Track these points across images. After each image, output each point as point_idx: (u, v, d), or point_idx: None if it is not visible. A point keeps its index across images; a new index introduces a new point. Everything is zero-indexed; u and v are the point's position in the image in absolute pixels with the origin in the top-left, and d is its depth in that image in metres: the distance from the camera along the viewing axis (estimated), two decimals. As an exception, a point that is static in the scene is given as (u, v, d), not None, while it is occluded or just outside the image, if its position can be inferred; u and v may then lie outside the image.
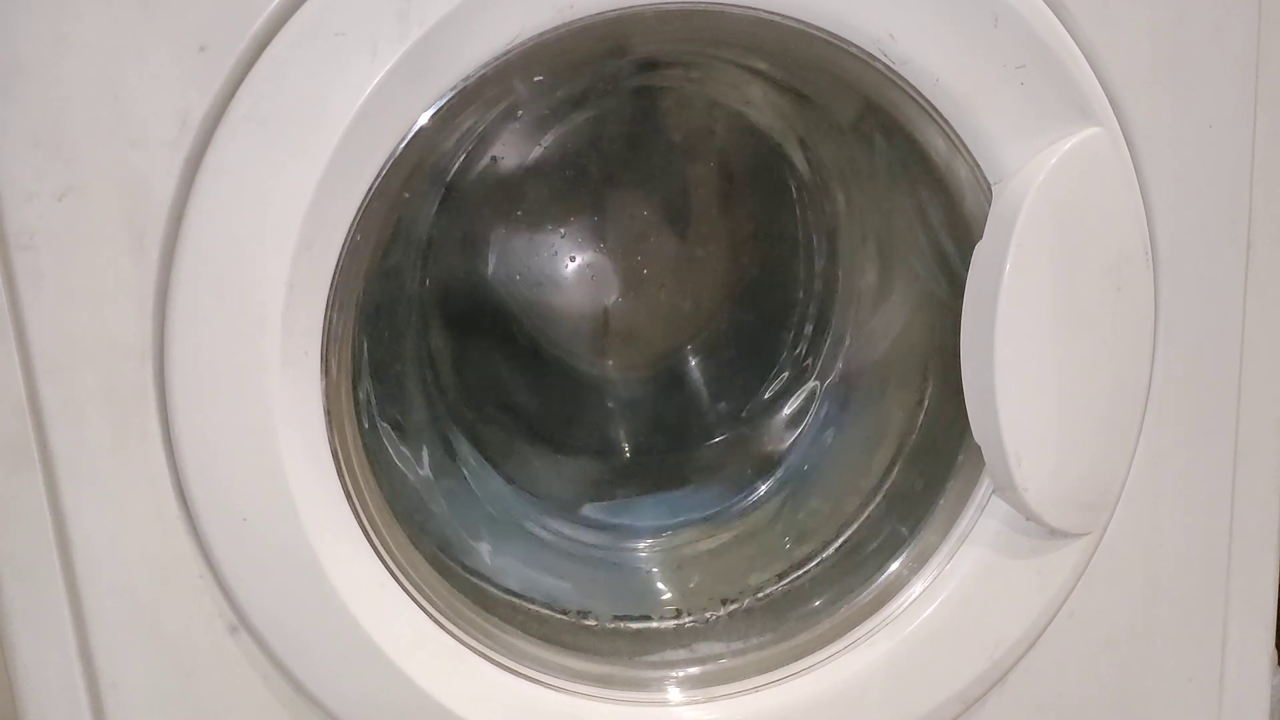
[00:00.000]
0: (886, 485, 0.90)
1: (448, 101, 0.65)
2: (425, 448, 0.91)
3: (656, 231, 0.98)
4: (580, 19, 0.65)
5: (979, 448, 0.75)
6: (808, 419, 1.00)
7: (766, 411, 1.02)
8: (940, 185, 0.77)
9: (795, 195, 0.97)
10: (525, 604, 0.85)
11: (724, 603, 0.89)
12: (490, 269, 0.96)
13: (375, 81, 0.62)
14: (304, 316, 0.65)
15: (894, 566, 0.82)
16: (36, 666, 0.68)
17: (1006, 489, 0.75)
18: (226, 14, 0.61)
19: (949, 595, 0.79)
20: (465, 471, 0.94)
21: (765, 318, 1.02)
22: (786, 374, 1.02)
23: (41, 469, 0.65)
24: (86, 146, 0.61)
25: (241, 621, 0.69)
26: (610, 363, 1.03)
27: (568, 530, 0.97)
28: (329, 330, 0.67)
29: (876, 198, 0.91)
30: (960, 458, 0.82)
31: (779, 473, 0.99)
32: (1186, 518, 0.83)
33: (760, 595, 0.89)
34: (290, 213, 0.62)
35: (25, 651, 0.68)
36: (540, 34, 0.64)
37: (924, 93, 0.70)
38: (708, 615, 0.88)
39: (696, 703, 0.78)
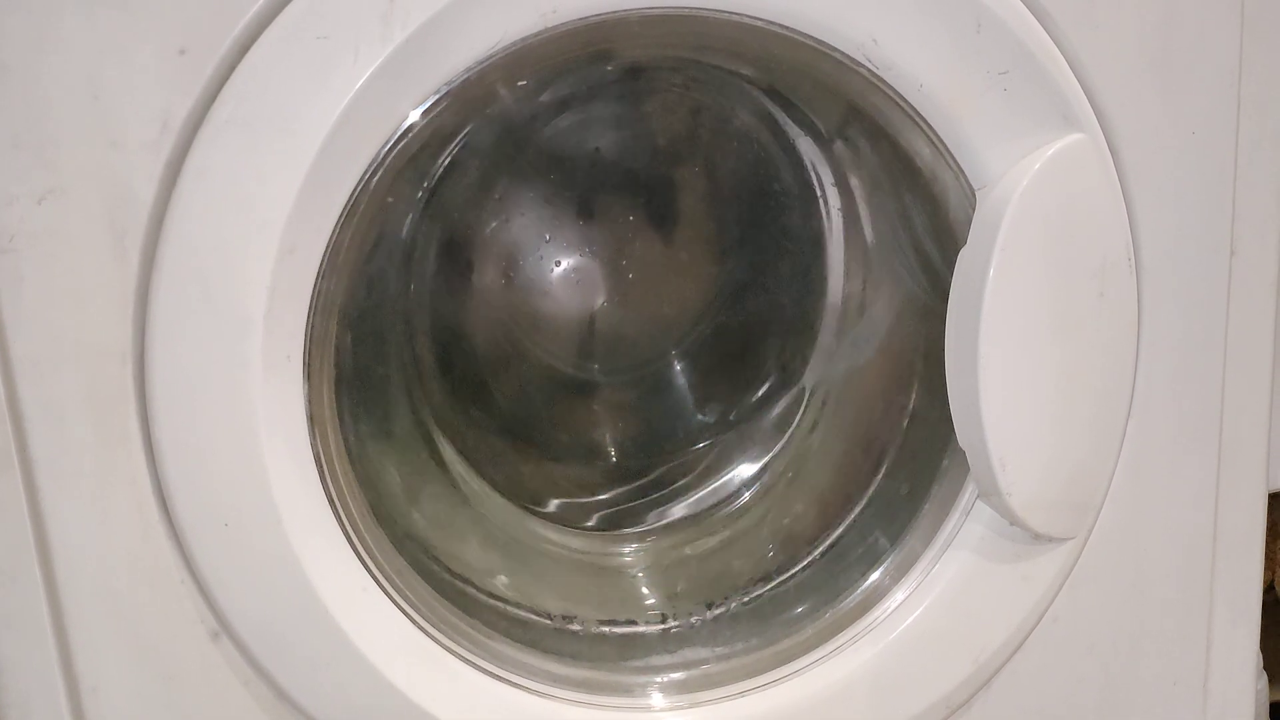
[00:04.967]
0: (871, 490, 0.90)
1: (431, 105, 0.65)
2: (409, 452, 0.91)
3: (642, 236, 0.98)
4: (564, 24, 0.65)
5: (964, 453, 0.75)
6: (793, 424, 1.00)
7: (752, 416, 1.02)
8: (925, 190, 0.77)
9: (780, 200, 0.97)
10: (509, 609, 0.85)
11: (709, 607, 0.89)
12: (475, 273, 0.96)
13: (357, 85, 0.62)
14: (286, 321, 0.65)
15: (878, 571, 0.82)
16: (16, 671, 0.67)
17: (991, 494, 0.75)
18: (208, 16, 0.61)
19: (933, 600, 0.79)
20: (449, 476, 0.94)
21: (751, 322, 1.02)
22: (773, 378, 1.02)
23: (21, 472, 0.64)
24: (67, 149, 0.61)
25: (223, 627, 0.68)
26: (596, 367, 1.03)
27: (552, 534, 0.97)
28: (312, 334, 0.66)
29: (862, 203, 0.92)
30: (945, 463, 0.82)
31: (764, 477, 0.99)
32: (1171, 522, 0.83)
33: (745, 600, 0.89)
34: (272, 216, 0.62)
35: (5, 656, 0.67)
36: (524, 38, 0.64)
37: (908, 98, 0.70)
38: (693, 620, 0.88)
39: (680, 708, 0.78)
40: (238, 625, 0.68)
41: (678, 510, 1.00)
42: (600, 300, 0.99)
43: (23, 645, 0.67)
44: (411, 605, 0.73)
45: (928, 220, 0.80)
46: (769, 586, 0.89)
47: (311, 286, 0.65)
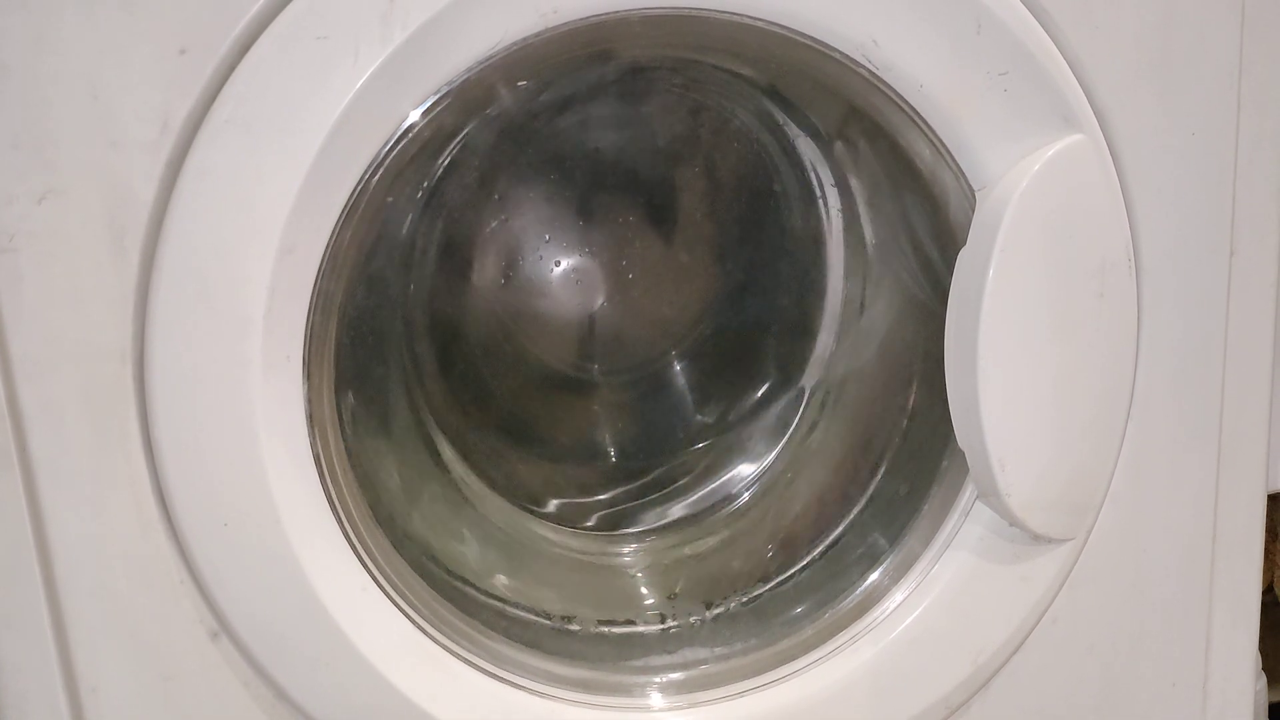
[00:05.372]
0: (871, 490, 0.90)
1: (431, 105, 0.65)
2: (409, 452, 0.91)
3: (642, 236, 0.98)
4: (564, 24, 0.65)
5: (963, 453, 0.75)
6: (793, 424, 1.00)
7: (752, 416, 1.02)
8: (925, 191, 0.77)
9: (780, 200, 0.98)
10: (508, 609, 0.85)
11: (708, 607, 0.89)
12: (475, 273, 0.96)
13: (357, 86, 0.62)
14: (286, 321, 0.65)
15: (878, 572, 0.82)
16: (15, 670, 0.67)
17: (990, 494, 0.75)
18: (208, 16, 0.61)
19: (932, 601, 0.79)
20: (449, 476, 0.94)
21: (751, 322, 1.02)
22: (772, 379, 1.02)
23: (21, 472, 0.64)
24: (67, 148, 0.61)
25: (222, 626, 0.68)
26: (596, 367, 1.03)
27: (552, 535, 0.97)
28: (311, 334, 0.66)
29: (861, 203, 0.92)
30: (944, 463, 0.82)
31: (764, 478, 0.99)
32: (1170, 522, 0.83)
33: (745, 600, 0.89)
34: (272, 216, 0.62)
35: (4, 655, 0.67)
36: (524, 38, 0.64)
37: (908, 99, 0.70)
38: (692, 620, 0.88)
39: (679, 708, 0.78)
40: (237, 625, 0.68)
41: (677, 510, 1.00)
42: (600, 300, 0.99)
43: (22, 645, 0.67)
44: (411, 605, 0.73)
45: (927, 221, 0.80)
46: (768, 587, 0.89)
47: (311, 286, 0.65)
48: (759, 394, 1.02)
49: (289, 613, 0.68)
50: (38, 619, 0.67)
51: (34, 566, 0.66)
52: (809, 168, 0.94)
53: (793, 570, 0.90)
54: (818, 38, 0.68)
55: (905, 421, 0.89)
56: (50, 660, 0.67)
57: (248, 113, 0.61)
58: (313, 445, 0.68)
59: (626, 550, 0.97)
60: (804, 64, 0.71)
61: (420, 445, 0.93)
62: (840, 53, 0.68)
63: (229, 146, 0.61)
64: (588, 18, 0.65)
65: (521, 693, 0.75)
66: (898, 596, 0.80)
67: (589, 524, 0.99)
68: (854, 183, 0.91)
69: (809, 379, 1.00)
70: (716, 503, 1.00)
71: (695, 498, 1.00)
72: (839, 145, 0.90)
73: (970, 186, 0.72)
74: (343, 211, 0.64)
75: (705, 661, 0.83)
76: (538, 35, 0.64)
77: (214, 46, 0.61)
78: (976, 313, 0.70)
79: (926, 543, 0.81)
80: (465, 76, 0.64)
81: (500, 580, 0.88)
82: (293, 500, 0.67)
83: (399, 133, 0.64)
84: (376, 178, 0.65)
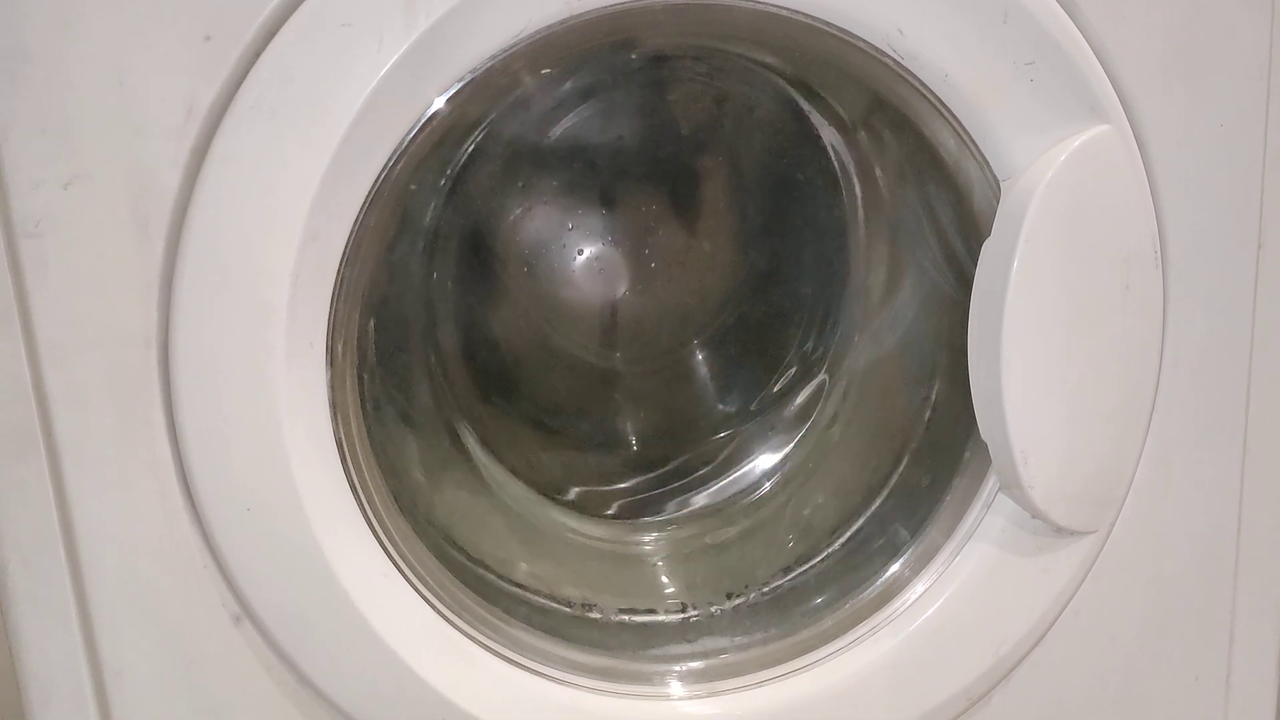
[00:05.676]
0: (893, 481, 0.90)
1: (455, 93, 0.65)
2: (431, 439, 0.91)
3: (665, 225, 0.98)
4: (588, 11, 0.65)
5: (986, 445, 0.75)
6: (815, 414, 1.00)
7: (774, 406, 1.02)
8: (949, 181, 0.77)
9: (803, 189, 0.97)
10: (529, 596, 0.85)
11: (729, 597, 0.89)
12: (498, 261, 0.96)
13: (382, 73, 0.62)
14: (309, 307, 0.65)
15: (899, 563, 0.82)
16: (41, 654, 0.68)
17: (1013, 486, 0.75)
18: (233, 3, 0.61)
19: (954, 592, 0.78)
20: (471, 463, 0.94)
21: (774, 312, 1.02)
22: (794, 369, 1.02)
23: (46, 456, 0.65)
24: (93, 135, 0.61)
25: (245, 611, 0.69)
26: (618, 355, 1.03)
27: (573, 522, 0.97)
28: (334, 321, 0.67)
29: (885, 193, 0.91)
30: (967, 455, 0.82)
31: (785, 468, 0.99)
32: (1194, 515, 0.82)
33: (765, 590, 0.89)
34: (296, 203, 0.63)
35: (30, 638, 0.68)
36: (548, 26, 0.64)
37: (933, 89, 0.70)
38: (712, 609, 0.88)
39: (699, 697, 0.78)
40: (260, 610, 0.68)
41: (698, 500, 1.00)
42: (622, 289, 0.99)
43: (47, 629, 0.68)
44: (432, 592, 0.73)
45: (952, 211, 0.80)
46: (789, 577, 0.89)
47: (334, 274, 0.65)
48: (781, 383, 1.02)
49: (311, 598, 0.68)
50: (63, 603, 0.67)
51: (59, 551, 0.66)
52: (833, 157, 0.94)
53: (814, 560, 0.90)
54: (842, 26, 0.67)
55: (927, 412, 0.89)
56: (75, 644, 0.68)
57: (272, 99, 0.62)
58: (335, 432, 0.68)
59: (647, 539, 0.98)
60: (828, 53, 0.71)
61: (442, 432, 0.93)
62: (865, 42, 0.68)
63: (253, 133, 0.62)
64: (611, 5, 0.65)
65: (541, 680, 0.75)
66: (919, 588, 0.80)
67: (610, 512, 1.00)
68: (878, 172, 0.91)
69: (831, 369, 0.99)
70: (738, 492, 1.00)
71: (716, 487, 1.00)
72: (863, 134, 0.89)
73: (995, 177, 0.72)
74: (366, 198, 0.65)
75: (725, 651, 0.83)
76: (562, 23, 0.64)
77: (239, 33, 0.62)
78: (1000, 304, 0.70)
79: (948, 534, 0.80)
80: (489, 64, 0.64)
81: (521, 567, 0.88)
82: (315, 486, 0.67)
83: (423, 120, 0.65)
84: (400, 165, 0.65)
